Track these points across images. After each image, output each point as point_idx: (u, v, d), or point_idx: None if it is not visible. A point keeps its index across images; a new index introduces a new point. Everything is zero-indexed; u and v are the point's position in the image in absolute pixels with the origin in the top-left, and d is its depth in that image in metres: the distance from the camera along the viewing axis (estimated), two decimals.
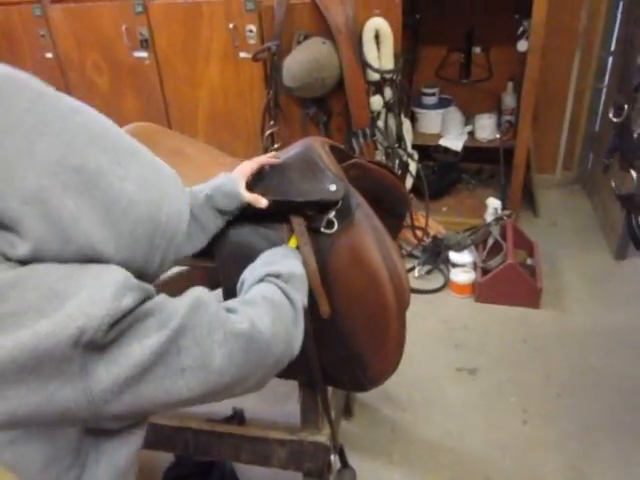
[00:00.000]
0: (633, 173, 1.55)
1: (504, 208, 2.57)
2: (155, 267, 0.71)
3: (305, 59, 2.16)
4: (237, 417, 1.70)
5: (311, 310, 0.94)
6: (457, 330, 2.12)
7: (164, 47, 2.61)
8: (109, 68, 2.76)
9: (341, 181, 0.98)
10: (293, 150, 1.05)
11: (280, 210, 0.99)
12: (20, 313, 0.55)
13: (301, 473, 1.27)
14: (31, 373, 0.55)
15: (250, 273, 0.92)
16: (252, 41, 2.44)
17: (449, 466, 1.59)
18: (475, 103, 2.93)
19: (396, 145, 2.36)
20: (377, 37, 2.15)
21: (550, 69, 2.83)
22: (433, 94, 2.97)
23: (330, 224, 0.98)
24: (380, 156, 2.35)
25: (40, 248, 0.59)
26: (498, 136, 2.69)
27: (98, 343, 0.56)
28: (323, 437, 1.22)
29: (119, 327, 0.58)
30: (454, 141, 2.80)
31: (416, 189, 2.55)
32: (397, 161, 2.38)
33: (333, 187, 0.97)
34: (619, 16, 2.66)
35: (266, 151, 2.38)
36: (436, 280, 2.42)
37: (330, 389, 1.27)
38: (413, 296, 2.35)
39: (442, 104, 2.96)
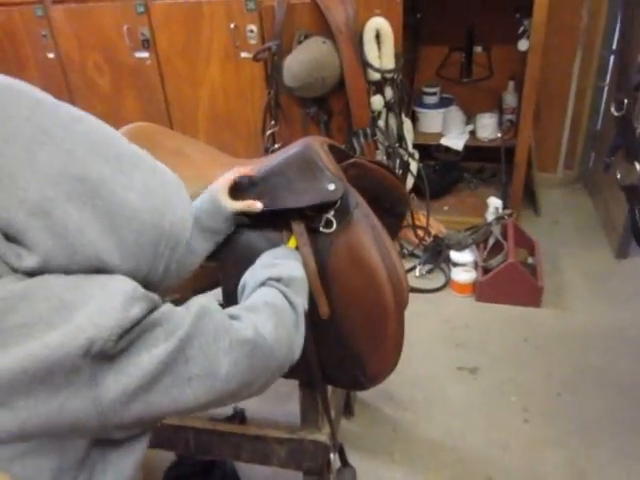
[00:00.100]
0: (637, 166, 1.56)
1: (505, 207, 2.57)
2: (158, 276, 0.71)
3: (305, 59, 2.16)
4: (238, 416, 1.70)
5: (310, 310, 0.95)
6: (458, 329, 2.12)
7: (165, 47, 2.62)
8: (110, 68, 2.76)
9: (340, 180, 0.98)
10: (292, 149, 1.05)
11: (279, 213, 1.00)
12: (30, 324, 0.56)
13: (301, 472, 1.28)
14: (41, 384, 0.55)
15: (251, 276, 0.92)
16: (253, 41, 2.44)
17: (450, 465, 1.59)
18: (476, 102, 2.93)
19: (397, 145, 2.36)
20: (378, 37, 2.15)
21: (551, 68, 2.83)
22: (434, 93, 2.97)
23: (329, 224, 0.98)
24: (381, 156, 2.35)
25: (47, 260, 0.59)
26: (499, 135, 2.69)
27: (107, 353, 0.57)
28: (323, 436, 1.22)
29: (128, 337, 0.59)
30: (455, 140, 2.80)
31: (417, 188, 2.55)
32: (398, 161, 2.38)
33: (332, 186, 0.97)
34: (620, 14, 2.65)
35: (267, 151, 2.39)
36: (437, 279, 2.42)
37: (330, 388, 1.27)
38: (414, 295, 2.36)
39: (443, 103, 2.96)
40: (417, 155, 2.52)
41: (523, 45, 2.36)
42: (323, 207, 0.98)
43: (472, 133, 2.84)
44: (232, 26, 2.43)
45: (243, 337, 0.71)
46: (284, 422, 1.56)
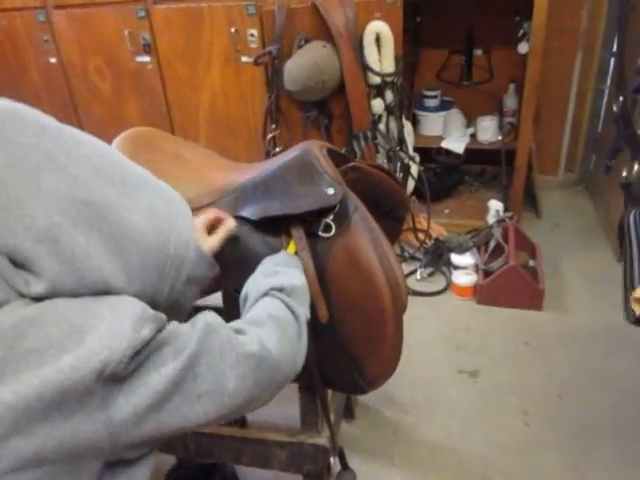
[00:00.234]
0: (637, 166, 1.57)
1: (506, 210, 2.57)
2: (164, 297, 0.72)
3: (306, 63, 2.17)
4: (239, 420, 1.70)
5: (310, 314, 0.95)
6: (459, 332, 2.12)
7: (166, 51, 2.63)
8: (112, 73, 2.78)
9: (339, 184, 0.99)
10: (291, 154, 1.06)
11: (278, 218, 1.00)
12: (41, 350, 0.55)
13: (302, 475, 1.28)
14: (57, 410, 0.55)
15: (253, 286, 0.91)
16: (253, 45, 2.45)
17: (450, 467, 1.59)
18: (476, 105, 2.93)
19: (397, 148, 2.37)
20: (378, 40, 2.16)
21: (551, 70, 2.83)
22: (434, 96, 2.98)
23: (328, 228, 0.98)
24: (381, 159, 2.36)
25: (55, 285, 0.60)
26: (500, 138, 2.69)
27: (119, 375, 0.57)
28: (322, 439, 1.23)
29: (139, 358, 0.59)
30: (456, 143, 2.80)
31: (418, 191, 2.55)
32: (399, 164, 2.38)
33: (331, 191, 0.97)
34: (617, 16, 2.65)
35: (268, 154, 2.40)
36: (438, 282, 2.42)
37: (330, 392, 1.27)
38: (415, 298, 2.36)
39: (443, 106, 2.96)
40: (418, 158, 2.53)
41: (523, 48, 2.36)
42: (322, 212, 0.98)
43: (473, 136, 2.83)
44: (233, 30, 2.44)
45: (249, 352, 0.72)
46: (284, 425, 1.56)
